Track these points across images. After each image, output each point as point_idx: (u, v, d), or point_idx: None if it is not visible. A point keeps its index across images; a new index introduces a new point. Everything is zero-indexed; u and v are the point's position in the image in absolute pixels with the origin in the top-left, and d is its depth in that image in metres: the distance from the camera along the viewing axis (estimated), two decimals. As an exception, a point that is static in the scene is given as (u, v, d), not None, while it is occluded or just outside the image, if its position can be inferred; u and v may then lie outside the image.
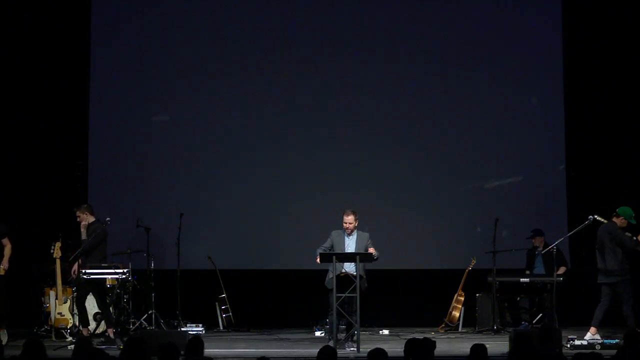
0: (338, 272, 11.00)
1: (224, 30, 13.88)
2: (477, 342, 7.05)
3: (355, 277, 10.89)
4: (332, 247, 11.34)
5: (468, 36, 13.94)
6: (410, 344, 7.13)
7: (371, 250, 11.17)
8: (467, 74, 13.91)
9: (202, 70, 13.83)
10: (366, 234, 11.44)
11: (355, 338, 11.04)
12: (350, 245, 11.38)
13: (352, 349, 10.84)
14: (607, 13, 13.91)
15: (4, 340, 11.20)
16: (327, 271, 11.34)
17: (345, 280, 10.88)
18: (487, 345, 7.03)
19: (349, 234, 11.40)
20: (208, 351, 8.84)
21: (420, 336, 7.57)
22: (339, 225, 11.45)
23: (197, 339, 7.26)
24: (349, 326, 11.17)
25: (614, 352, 7.79)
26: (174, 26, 13.86)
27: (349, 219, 11.38)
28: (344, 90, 13.83)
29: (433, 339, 7.41)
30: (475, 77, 13.92)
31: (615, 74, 13.90)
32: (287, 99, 13.85)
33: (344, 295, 10.77)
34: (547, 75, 13.99)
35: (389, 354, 6.93)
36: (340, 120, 13.84)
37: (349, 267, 11.08)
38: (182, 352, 7.18)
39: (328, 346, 6.99)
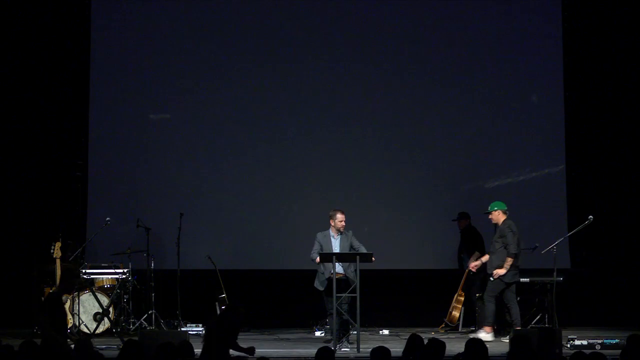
0: (329, 274, 11.02)
1: (224, 29, 13.87)
2: (473, 337, 7.05)
3: (343, 278, 11.04)
4: (321, 249, 11.35)
5: (468, 36, 13.94)
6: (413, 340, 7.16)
7: (361, 248, 11.25)
8: (467, 74, 13.90)
9: (202, 69, 13.83)
10: (349, 232, 11.47)
11: (350, 339, 11.06)
12: (336, 246, 11.39)
13: (345, 349, 10.84)
14: (607, 13, 13.91)
15: None
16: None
17: (337, 281, 10.87)
18: (487, 346, 7.02)
19: (338, 235, 11.42)
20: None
21: (423, 336, 7.57)
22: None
23: (186, 344, 7.22)
24: (344, 327, 11.17)
25: (613, 352, 7.78)
26: (174, 26, 13.85)
27: (344, 218, 11.42)
28: (344, 90, 13.83)
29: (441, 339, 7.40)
30: (475, 76, 13.92)
31: (615, 73, 13.90)
32: (288, 99, 13.85)
33: (342, 295, 10.78)
34: (547, 75, 13.99)
35: (392, 354, 6.93)
36: (340, 120, 13.84)
37: (339, 268, 11.07)
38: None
39: (326, 347, 6.99)
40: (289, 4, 13.96)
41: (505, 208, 12.11)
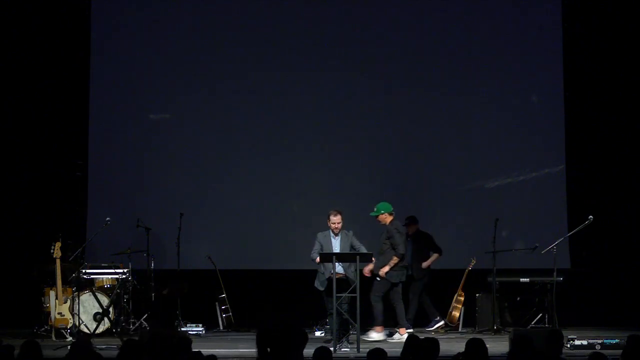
0: (329, 274, 11.02)
1: (224, 29, 13.88)
2: (474, 337, 7.04)
3: (343, 278, 11.06)
4: (321, 249, 11.35)
5: (468, 35, 13.94)
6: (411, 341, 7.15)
7: (361, 248, 11.26)
8: (466, 74, 13.90)
9: (202, 70, 13.83)
10: (350, 232, 11.46)
11: (350, 339, 11.06)
12: (336, 245, 11.39)
13: (345, 349, 10.85)
14: (607, 13, 13.91)
15: None
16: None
17: (337, 281, 10.87)
18: (487, 346, 7.02)
19: (336, 235, 11.42)
20: (208, 351, 8.85)
21: (421, 336, 7.57)
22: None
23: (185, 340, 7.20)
24: (344, 327, 11.18)
25: (613, 352, 7.77)
26: (174, 26, 13.86)
27: (337, 219, 11.40)
28: (344, 89, 13.82)
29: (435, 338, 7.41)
30: (475, 76, 13.92)
31: (615, 73, 13.89)
32: (288, 99, 13.84)
33: (342, 295, 10.78)
34: (547, 75, 13.99)
35: (388, 354, 6.92)
36: (341, 120, 13.84)
37: (339, 268, 11.08)
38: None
39: (324, 346, 6.96)
40: (291, 6, 13.96)
41: (391, 209, 12.05)
